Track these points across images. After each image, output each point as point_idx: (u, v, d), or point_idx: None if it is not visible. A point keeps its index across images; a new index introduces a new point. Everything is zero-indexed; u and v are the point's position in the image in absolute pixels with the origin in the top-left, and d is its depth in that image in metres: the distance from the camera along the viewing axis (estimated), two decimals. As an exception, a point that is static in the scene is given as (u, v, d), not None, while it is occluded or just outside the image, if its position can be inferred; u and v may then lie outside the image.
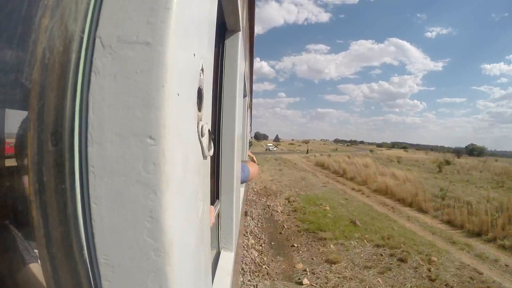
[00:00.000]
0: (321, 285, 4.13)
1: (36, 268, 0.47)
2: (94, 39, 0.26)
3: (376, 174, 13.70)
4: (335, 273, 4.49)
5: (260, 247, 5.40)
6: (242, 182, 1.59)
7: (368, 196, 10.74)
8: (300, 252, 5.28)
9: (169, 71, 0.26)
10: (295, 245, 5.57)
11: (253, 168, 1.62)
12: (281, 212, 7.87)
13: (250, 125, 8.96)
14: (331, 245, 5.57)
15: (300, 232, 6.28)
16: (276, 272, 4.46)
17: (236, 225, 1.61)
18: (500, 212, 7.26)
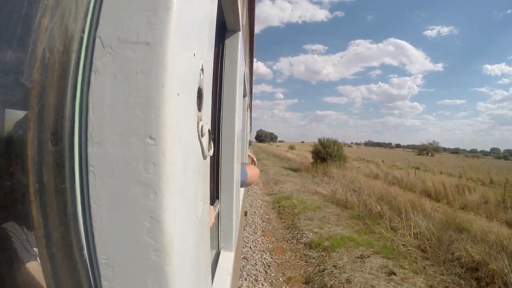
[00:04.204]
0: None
1: (35, 267, 0.47)
2: (94, 39, 0.26)
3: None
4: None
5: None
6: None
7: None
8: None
9: (169, 71, 0.26)
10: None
11: (252, 172, 1.48)
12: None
13: (250, 125, 8.96)
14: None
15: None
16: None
17: (236, 225, 1.60)
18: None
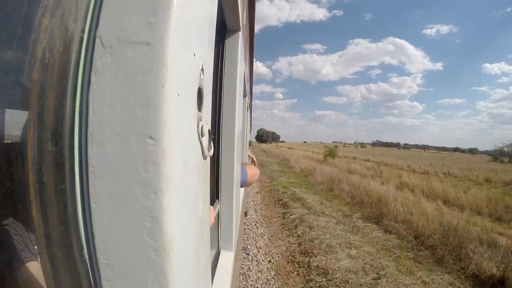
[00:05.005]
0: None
1: (36, 266, 0.47)
2: (94, 39, 0.26)
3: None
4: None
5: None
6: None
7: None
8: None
9: (169, 71, 0.26)
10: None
11: (251, 172, 1.47)
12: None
13: (250, 125, 8.97)
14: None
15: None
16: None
17: (236, 225, 1.60)
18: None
